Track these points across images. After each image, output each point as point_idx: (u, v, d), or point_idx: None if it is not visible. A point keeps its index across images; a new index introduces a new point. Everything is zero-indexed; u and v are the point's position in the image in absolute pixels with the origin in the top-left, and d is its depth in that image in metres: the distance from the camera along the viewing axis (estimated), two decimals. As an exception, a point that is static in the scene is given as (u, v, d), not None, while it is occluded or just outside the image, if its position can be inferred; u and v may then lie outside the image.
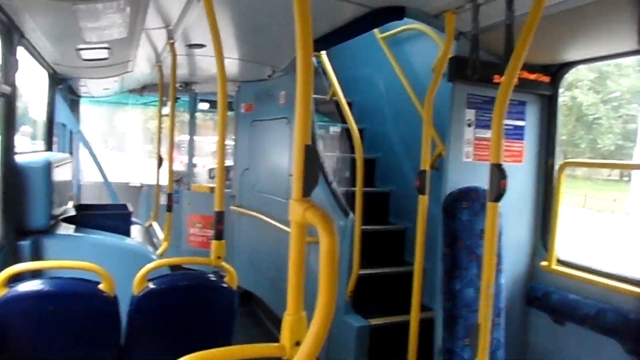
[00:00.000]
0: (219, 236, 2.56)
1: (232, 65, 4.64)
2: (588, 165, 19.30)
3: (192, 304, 2.45)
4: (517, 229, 3.28)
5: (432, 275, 3.21)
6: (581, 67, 3.59)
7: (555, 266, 3.07)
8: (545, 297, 3.12)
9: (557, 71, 3.20)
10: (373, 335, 3.58)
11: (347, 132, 4.07)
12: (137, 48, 3.69)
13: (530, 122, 3.24)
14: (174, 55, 3.58)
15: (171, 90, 3.97)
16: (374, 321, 3.60)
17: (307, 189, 1.21)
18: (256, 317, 5.43)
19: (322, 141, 4.36)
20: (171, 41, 3.51)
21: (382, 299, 4.02)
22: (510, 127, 3.16)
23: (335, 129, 4.82)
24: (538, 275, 3.26)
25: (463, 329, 2.70)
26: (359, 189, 3.76)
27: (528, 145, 3.26)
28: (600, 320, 2.74)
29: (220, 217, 2.56)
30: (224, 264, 2.58)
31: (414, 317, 2.95)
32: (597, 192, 22.19)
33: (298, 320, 1.28)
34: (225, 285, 2.48)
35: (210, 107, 7.02)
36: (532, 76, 3.10)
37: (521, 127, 3.21)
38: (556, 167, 3.22)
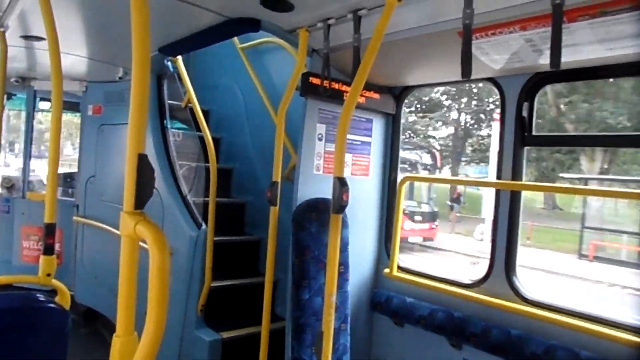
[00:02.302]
0: (48, 251, 2.29)
1: (78, 63, 4.31)
2: (427, 180, 21.21)
3: (13, 329, 2.14)
4: (364, 239, 3.50)
5: (285, 285, 3.26)
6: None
7: (396, 272, 3.33)
8: (387, 302, 3.36)
9: (400, 93, 3.51)
10: (226, 348, 3.53)
11: (204, 141, 3.98)
12: None
13: (376, 139, 3.49)
14: (4, 47, 3.17)
15: None
16: (227, 334, 3.55)
17: (139, 201, 1.15)
18: (101, 338, 4.99)
19: (176, 149, 4.18)
20: (1, 29, 3.12)
21: (235, 310, 3.97)
22: (359, 143, 3.37)
23: (191, 137, 4.68)
24: (381, 282, 3.50)
25: (311, 337, 2.77)
26: (212, 200, 3.69)
27: (374, 160, 3.50)
28: (431, 319, 3.04)
29: (50, 229, 2.29)
30: (54, 281, 2.32)
31: (265, 327, 2.97)
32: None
33: (128, 341, 1.22)
34: (55, 305, 2.22)
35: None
36: (379, 96, 3.35)
37: (368, 143, 3.44)
38: (398, 180, 3.51)
